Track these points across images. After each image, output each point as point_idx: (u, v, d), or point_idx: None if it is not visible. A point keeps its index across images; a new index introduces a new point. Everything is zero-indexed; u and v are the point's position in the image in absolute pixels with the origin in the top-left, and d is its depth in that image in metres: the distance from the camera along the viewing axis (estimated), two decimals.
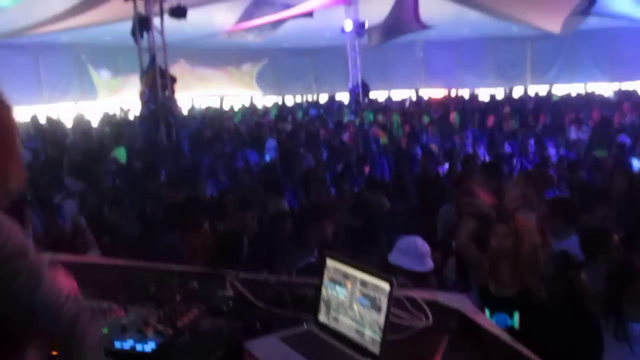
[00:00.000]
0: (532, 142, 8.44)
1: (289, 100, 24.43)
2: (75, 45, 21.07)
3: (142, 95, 10.77)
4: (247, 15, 20.09)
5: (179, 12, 10.74)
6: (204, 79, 24.46)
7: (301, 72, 26.33)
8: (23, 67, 19.95)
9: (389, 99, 21.29)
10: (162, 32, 10.87)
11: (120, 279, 2.96)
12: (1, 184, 1.44)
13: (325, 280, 2.23)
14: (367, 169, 8.84)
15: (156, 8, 10.73)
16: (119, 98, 22.17)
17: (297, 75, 26.25)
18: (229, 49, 24.09)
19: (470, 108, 15.12)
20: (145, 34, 10.83)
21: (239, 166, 8.98)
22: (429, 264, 3.70)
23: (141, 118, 10.82)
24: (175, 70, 16.61)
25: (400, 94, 23.91)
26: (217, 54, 24.33)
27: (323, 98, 24.65)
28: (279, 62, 26.21)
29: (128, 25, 18.30)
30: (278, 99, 24.26)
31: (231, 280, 2.65)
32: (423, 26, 15.37)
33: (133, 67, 22.55)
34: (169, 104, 10.55)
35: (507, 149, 8.69)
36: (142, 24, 10.46)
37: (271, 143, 10.37)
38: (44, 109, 19.23)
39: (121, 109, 19.55)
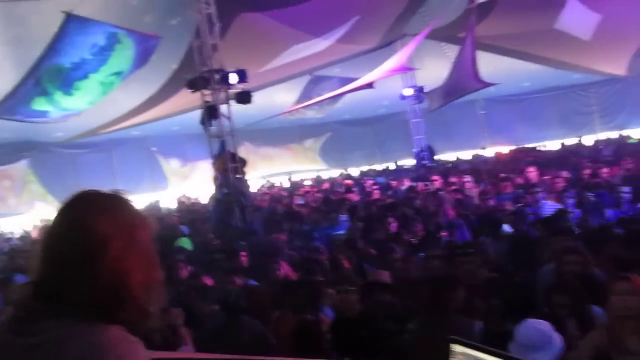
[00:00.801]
0: (625, 189, 7.97)
1: (354, 172, 24.45)
2: (146, 138, 22.02)
3: (215, 180, 10.97)
4: (306, 93, 20.62)
5: (245, 98, 11.02)
6: (269, 158, 24.96)
7: (363, 143, 26.46)
8: (98, 163, 20.94)
9: (457, 161, 21.03)
10: (230, 118, 11.14)
11: None
12: (145, 300, 1.36)
13: None
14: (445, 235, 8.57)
15: (222, 96, 11.02)
16: (188, 185, 22.84)
17: (359, 146, 26.40)
18: (291, 126, 24.62)
19: (543, 161, 14.65)
20: (213, 122, 11.11)
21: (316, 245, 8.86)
22: (557, 345, 3.30)
23: (216, 202, 10.96)
24: (240, 152, 16.96)
25: (465, 155, 23.58)
26: (279, 133, 24.86)
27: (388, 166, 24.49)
28: (341, 134, 26.49)
29: (194, 115, 19.17)
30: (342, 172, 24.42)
31: None
32: (484, 84, 15.22)
33: (200, 154, 23.49)
34: (242, 187, 10.68)
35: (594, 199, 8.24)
36: (210, 113, 10.78)
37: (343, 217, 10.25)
38: None
39: (185, 196, 20.04)
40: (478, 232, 8.63)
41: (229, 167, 10.74)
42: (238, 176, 10.87)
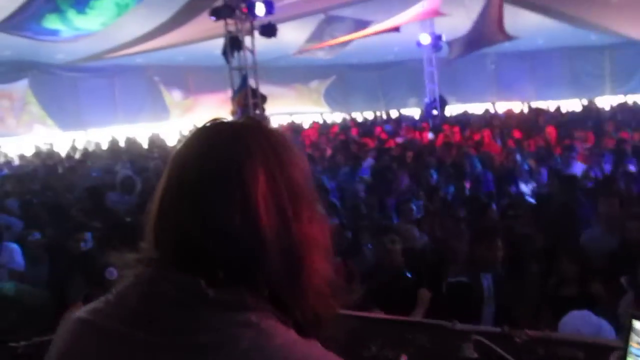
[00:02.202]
0: None
1: (357, 117, 24.04)
2: (149, 67, 21.32)
3: (234, 114, 10.58)
4: (318, 33, 19.98)
5: (270, 31, 10.55)
6: (272, 97, 24.19)
7: (369, 88, 25.96)
8: (99, 89, 20.32)
9: (465, 113, 20.71)
10: (253, 52, 10.68)
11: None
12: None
13: (633, 346, 1.81)
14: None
15: (246, 27, 10.53)
16: (190, 118, 22.37)
17: (364, 92, 25.91)
18: (297, 66, 23.98)
19: (561, 121, 14.41)
20: (231, 54, 10.64)
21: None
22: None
23: None
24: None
25: (472, 108, 23.23)
26: (284, 72, 24.20)
27: (392, 114, 24.06)
28: (347, 78, 25.95)
29: (200, 46, 18.52)
30: (345, 116, 24.05)
31: (475, 337, 2.25)
32: (508, 37, 14.80)
33: (203, 87, 22.93)
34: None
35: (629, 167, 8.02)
36: (233, 44, 10.30)
37: (368, 162, 10.00)
38: (118, 130, 19.52)
39: (195, 127, 19.63)
40: (502, 188, 8.43)
41: (250, 102, 10.36)
42: (257, 112, 10.50)
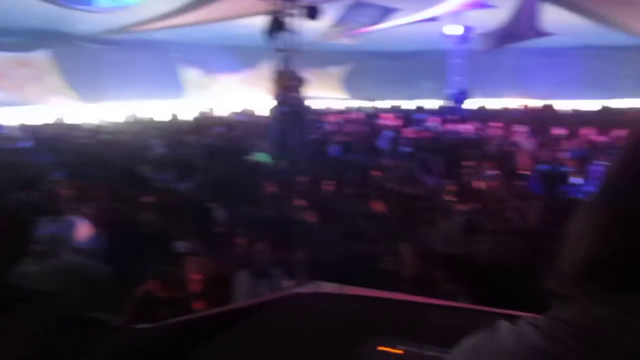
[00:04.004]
0: None
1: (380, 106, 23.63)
2: (167, 43, 21.01)
3: (276, 96, 10.44)
4: (344, 18, 19.77)
5: (313, 13, 10.39)
6: None
7: (389, 77, 25.63)
8: (121, 62, 20.00)
9: (482, 108, 20.58)
10: (296, 33, 10.53)
11: None
12: None
13: None
14: None
15: (288, 7, 10.37)
16: (206, 95, 22.19)
17: (384, 80, 25.59)
18: (313, 50, 23.66)
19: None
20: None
21: None
22: None
23: (274, 119, 10.43)
24: (262, 71, 16.18)
25: (487, 103, 22.90)
26: (301, 56, 23.90)
27: (410, 105, 23.67)
28: (366, 65, 25.69)
29: (222, 25, 18.26)
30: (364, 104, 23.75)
31: None
32: (542, 33, 14.67)
33: (222, 66, 22.66)
34: (301, 106, 10.20)
35: None
36: (278, 25, 10.14)
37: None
38: (136, 105, 19.19)
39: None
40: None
41: (290, 85, 10.22)
42: (294, 94, 10.36)
